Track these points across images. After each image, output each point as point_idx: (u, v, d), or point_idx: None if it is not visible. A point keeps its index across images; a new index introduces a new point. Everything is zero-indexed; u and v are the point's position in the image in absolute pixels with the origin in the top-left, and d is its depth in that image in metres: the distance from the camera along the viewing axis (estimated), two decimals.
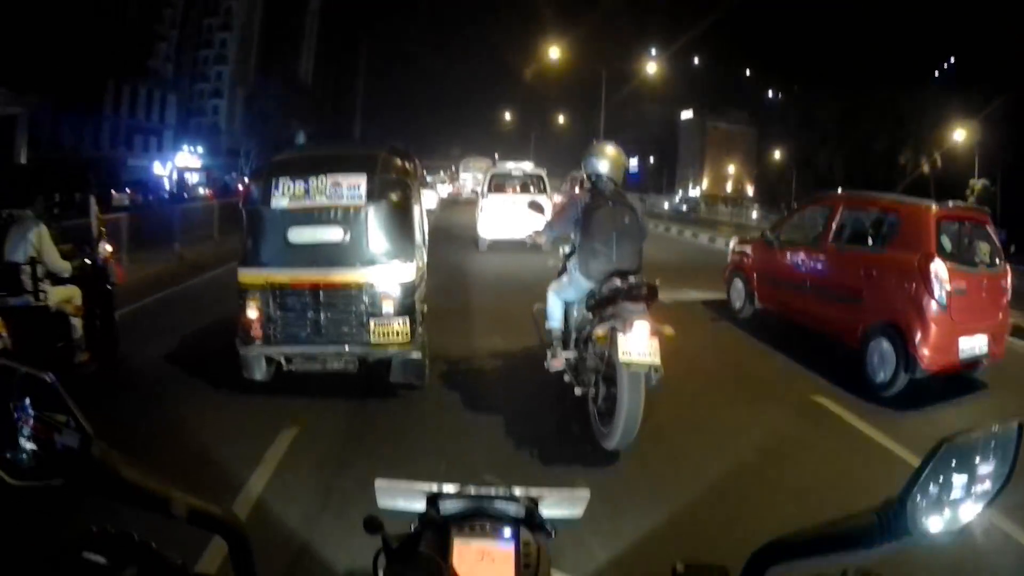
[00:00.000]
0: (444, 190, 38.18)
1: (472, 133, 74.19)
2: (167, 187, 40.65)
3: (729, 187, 66.13)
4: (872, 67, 45.15)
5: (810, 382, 6.11)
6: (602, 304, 4.43)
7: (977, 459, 0.76)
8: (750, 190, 63.45)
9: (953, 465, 0.75)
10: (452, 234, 17.83)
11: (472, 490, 1.06)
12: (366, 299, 4.98)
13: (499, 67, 78.90)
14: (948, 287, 5.63)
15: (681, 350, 4.68)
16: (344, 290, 4.98)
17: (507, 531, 0.99)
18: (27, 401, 0.72)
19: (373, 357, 5.14)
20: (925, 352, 5.58)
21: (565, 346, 4.97)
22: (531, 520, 1.04)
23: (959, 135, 34.54)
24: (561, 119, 63.74)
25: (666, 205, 39.53)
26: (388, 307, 4.98)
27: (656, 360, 3.99)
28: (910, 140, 42.62)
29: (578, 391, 4.59)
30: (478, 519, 1.01)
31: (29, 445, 0.72)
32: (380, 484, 1.06)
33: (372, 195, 5.02)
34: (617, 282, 4.41)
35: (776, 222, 9.41)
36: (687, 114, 70.19)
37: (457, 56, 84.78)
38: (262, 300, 4.98)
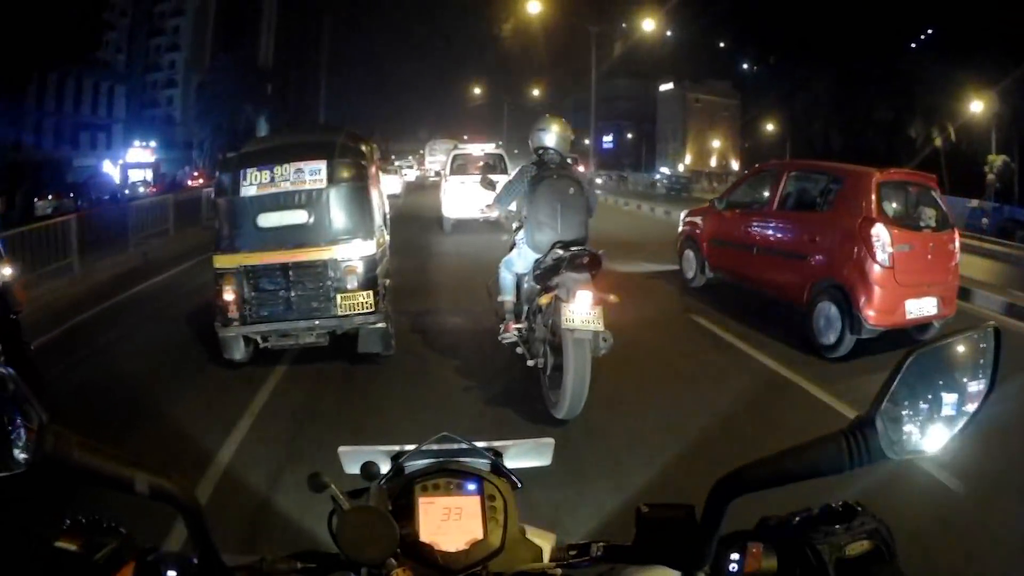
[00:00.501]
0: (412, 174, 38.22)
1: (443, 115, 73.22)
2: (116, 185, 39.88)
3: (713, 162, 65.73)
4: (860, 33, 44.51)
5: (760, 345, 6.60)
6: (546, 274, 4.68)
7: (951, 369, 0.73)
8: (735, 164, 63.44)
9: (924, 377, 0.72)
10: (419, 216, 18.45)
11: (435, 447, 1.11)
12: (332, 274, 5.59)
13: (468, 44, 78.16)
14: (890, 249, 6.13)
15: (632, 319, 5.08)
16: (311, 267, 5.58)
17: (472, 485, 1.01)
18: None
19: (341, 329, 5.74)
20: (870, 312, 6.06)
21: (517, 318, 5.28)
22: (496, 472, 1.08)
23: (976, 106, 32.53)
24: (536, 93, 63.53)
25: (657, 183, 37.38)
26: (352, 280, 5.59)
27: (600, 326, 4.25)
28: (918, 110, 41.46)
29: (530, 362, 4.90)
30: (442, 475, 1.03)
31: (22, 456, 0.74)
32: (343, 450, 1.13)
33: (332, 178, 5.61)
34: (560, 252, 4.66)
35: (725, 190, 9.87)
36: (666, 86, 69.21)
37: (424, 34, 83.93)
38: (237, 282, 5.56)
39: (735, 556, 0.84)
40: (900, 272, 6.14)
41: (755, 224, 7.80)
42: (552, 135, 5.07)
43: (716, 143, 66.87)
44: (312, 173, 5.59)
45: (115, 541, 0.86)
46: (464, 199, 14.75)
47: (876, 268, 6.12)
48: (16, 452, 0.74)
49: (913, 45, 43.82)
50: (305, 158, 5.65)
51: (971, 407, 0.73)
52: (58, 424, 0.76)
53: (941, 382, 0.73)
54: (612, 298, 4.40)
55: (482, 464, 1.11)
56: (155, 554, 0.89)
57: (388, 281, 6.15)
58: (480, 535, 0.97)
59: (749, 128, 60.38)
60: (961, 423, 0.73)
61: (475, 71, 71.46)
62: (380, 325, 5.71)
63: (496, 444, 1.15)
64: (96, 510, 0.88)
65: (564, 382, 4.30)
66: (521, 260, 5.19)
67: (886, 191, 6.48)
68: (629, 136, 71.03)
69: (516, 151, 31.27)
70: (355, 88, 77.31)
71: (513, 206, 5.32)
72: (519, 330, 5.18)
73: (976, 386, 0.73)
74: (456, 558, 0.95)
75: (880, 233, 6.15)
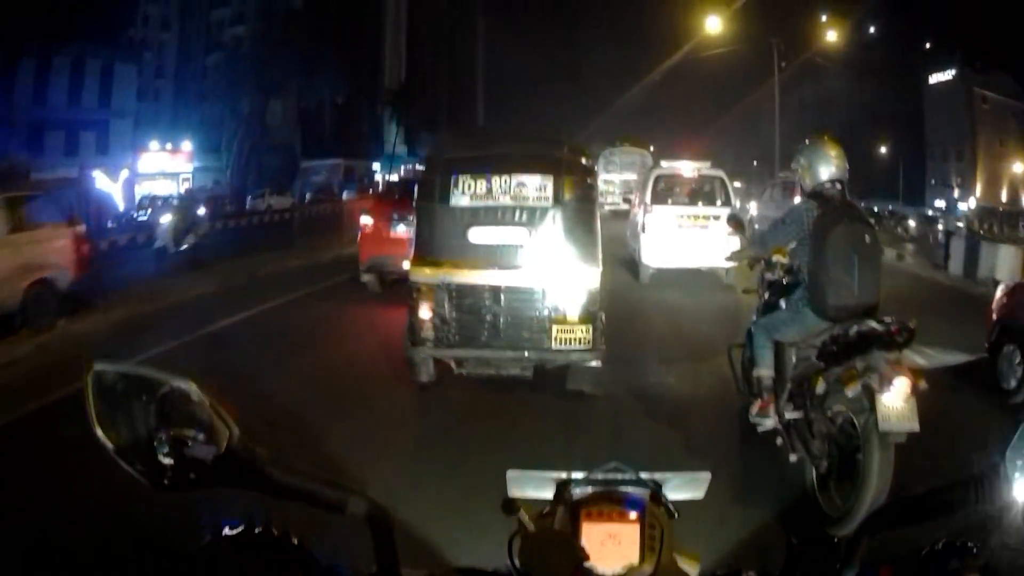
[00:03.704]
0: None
1: (612, 117, 70.94)
2: (120, 212, 36.89)
3: (1004, 194, 59.63)
4: None
5: None
6: (846, 352, 4.69)
7: None
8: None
9: None
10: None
11: (599, 475, 1.51)
12: (549, 303, 6.72)
13: (641, 35, 77.76)
14: None
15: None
16: (527, 293, 6.75)
17: (632, 513, 1.39)
18: (162, 418, 1.02)
19: (553, 364, 6.90)
20: None
21: (776, 398, 5.40)
22: (655, 502, 1.47)
23: None
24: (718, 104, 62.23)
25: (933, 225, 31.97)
26: (572, 312, 6.69)
27: (915, 425, 4.28)
28: None
29: (793, 457, 5.08)
30: (605, 502, 1.43)
31: (167, 460, 1.01)
32: (511, 474, 1.54)
33: (558, 196, 6.79)
34: (872, 324, 4.63)
35: None
36: (940, 76, 61.70)
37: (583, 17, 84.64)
38: (436, 300, 6.78)
39: None
40: None
41: None
42: (831, 164, 5.19)
43: (1015, 167, 58.70)
44: (537, 189, 6.81)
45: (283, 548, 1.10)
46: (672, 241, 14.40)
47: None
48: (197, 465, 1.01)
49: None
50: (529, 170, 6.86)
51: None
52: (246, 438, 1.01)
53: None
54: (922, 383, 4.36)
55: (643, 493, 1.49)
56: (328, 565, 1.14)
57: (604, 316, 7.16)
58: (636, 561, 1.36)
59: None
60: None
61: (648, 76, 68.92)
62: (595, 363, 6.82)
63: (657, 475, 1.56)
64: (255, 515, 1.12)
65: (861, 494, 4.34)
66: (795, 327, 5.32)
67: None
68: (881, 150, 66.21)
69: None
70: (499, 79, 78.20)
71: (776, 256, 5.62)
72: (786, 417, 5.28)
73: None
74: None
75: None
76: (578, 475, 1.53)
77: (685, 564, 1.45)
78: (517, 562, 1.29)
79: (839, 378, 4.70)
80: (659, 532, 1.39)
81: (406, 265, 7.10)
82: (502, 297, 6.74)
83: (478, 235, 6.83)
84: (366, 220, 13.52)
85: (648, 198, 15.00)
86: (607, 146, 33.54)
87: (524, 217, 6.78)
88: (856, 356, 4.60)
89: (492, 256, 6.79)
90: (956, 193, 59.28)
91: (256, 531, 1.09)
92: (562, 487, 1.52)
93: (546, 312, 6.72)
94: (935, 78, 62.03)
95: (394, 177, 51.10)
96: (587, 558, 1.29)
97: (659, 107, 69.25)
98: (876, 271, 5.04)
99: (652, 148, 34.50)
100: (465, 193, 6.85)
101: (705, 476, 1.58)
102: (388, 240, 12.59)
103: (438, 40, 74.64)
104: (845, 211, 5.06)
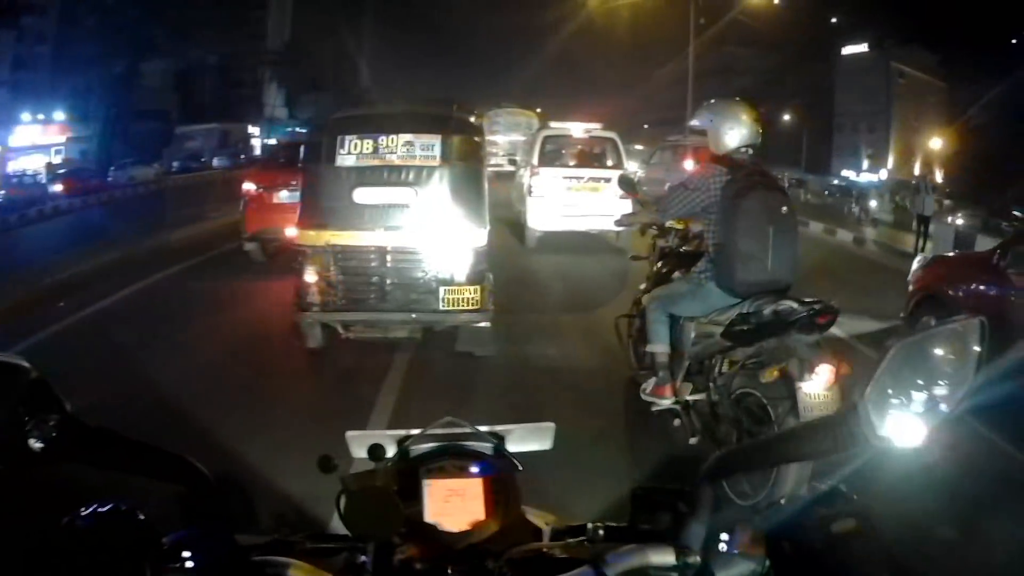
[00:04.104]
0: None
1: (499, 79, 68.82)
2: None
3: (916, 168, 62.20)
4: None
5: None
6: (758, 332, 4.53)
7: (935, 359, 1.00)
8: (938, 175, 59.15)
9: (909, 366, 0.99)
10: None
11: (438, 431, 1.55)
12: (437, 264, 6.94)
13: None
14: None
15: None
16: (414, 254, 6.95)
17: (474, 468, 1.45)
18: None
19: (441, 325, 7.14)
20: None
21: (672, 376, 5.29)
22: (498, 455, 1.52)
23: None
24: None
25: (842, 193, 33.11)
26: (460, 273, 6.93)
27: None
28: None
29: (693, 440, 5.07)
30: (447, 458, 1.49)
31: (37, 445, 1.03)
32: (351, 435, 1.57)
33: (446, 156, 7.01)
34: (791, 304, 4.42)
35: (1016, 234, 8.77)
36: (855, 48, 62.69)
37: None
38: (323, 263, 6.93)
39: (725, 536, 1.17)
40: None
41: None
42: (743, 127, 5.00)
43: (931, 141, 57.75)
44: (424, 148, 7.00)
45: (132, 525, 1.15)
46: (560, 203, 14.46)
47: None
48: (32, 442, 1.02)
49: None
50: (417, 131, 7.05)
51: (953, 396, 1.00)
52: (74, 413, 1.06)
53: (925, 372, 1.00)
54: (845, 368, 4.24)
55: (485, 448, 1.54)
56: (171, 536, 1.21)
57: (491, 277, 7.43)
58: (482, 516, 1.40)
59: (958, 125, 54.62)
60: (942, 412, 1.00)
61: (539, 32, 66.76)
62: (485, 324, 7.07)
63: (499, 428, 1.59)
64: (106, 496, 1.17)
65: (779, 483, 4.17)
66: (698, 302, 5.10)
67: None
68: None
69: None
70: (386, 41, 76.44)
71: (671, 223, 5.64)
72: (685, 399, 5.24)
73: (959, 375, 1.00)
74: (458, 538, 1.37)
75: None
76: (417, 431, 1.56)
77: (536, 519, 1.52)
78: (345, 522, 1.32)
79: (752, 361, 4.63)
80: (504, 486, 1.44)
81: (290, 232, 7.11)
82: (388, 259, 6.92)
83: (364, 196, 6.96)
84: (249, 187, 13.31)
85: (535, 159, 14.96)
86: (493, 108, 33.48)
87: (411, 177, 6.94)
88: (769, 337, 4.48)
89: (378, 217, 6.95)
90: (865, 164, 60.62)
91: (107, 509, 1.14)
92: (400, 444, 1.55)
93: (434, 273, 6.94)
94: (848, 50, 62.98)
95: (272, 142, 50.35)
96: (419, 515, 1.37)
97: (553, 71, 69.49)
98: (793, 245, 4.92)
99: (539, 110, 35.15)
100: (352, 153, 6.99)
101: (549, 426, 1.62)
102: (273, 208, 12.51)
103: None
104: (759, 179, 4.89)
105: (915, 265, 9.06)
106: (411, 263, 6.93)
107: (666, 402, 5.24)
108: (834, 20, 63.93)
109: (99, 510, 1.14)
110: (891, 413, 0.97)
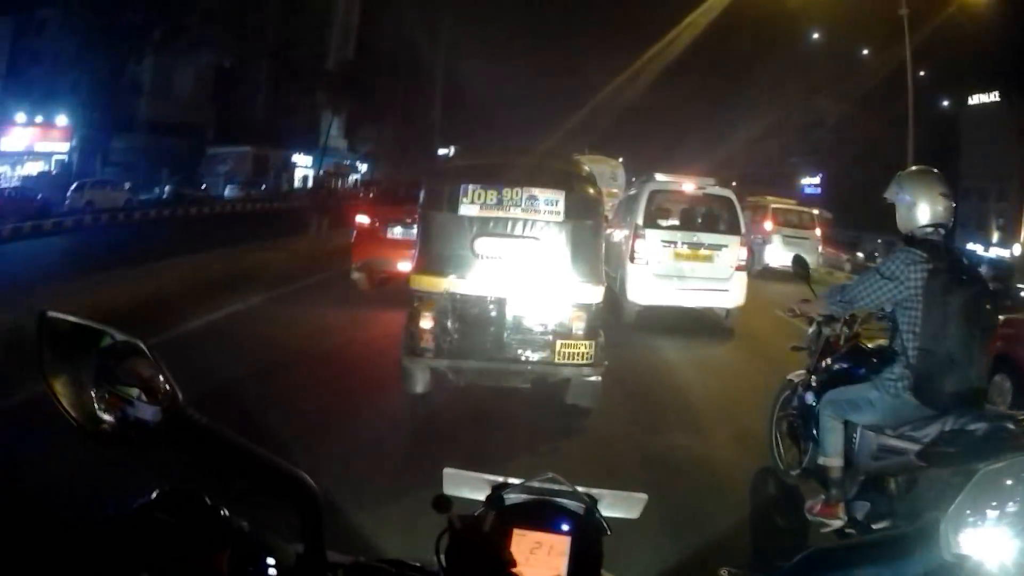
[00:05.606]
0: None
1: (575, 122, 66.48)
2: None
3: None
4: None
5: None
6: (967, 456, 3.79)
7: (1010, 485, 1.12)
8: None
9: (987, 491, 1.10)
10: None
11: (535, 483, 1.57)
12: (555, 318, 7.15)
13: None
14: None
15: None
16: (533, 307, 7.15)
17: (564, 525, 1.50)
18: (107, 375, 1.11)
19: (554, 378, 7.32)
20: None
21: (845, 492, 4.74)
22: (589, 517, 1.54)
23: None
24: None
25: None
26: (577, 328, 7.13)
27: None
28: None
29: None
30: (538, 511, 1.52)
31: (107, 417, 1.10)
32: (448, 472, 1.62)
33: (570, 212, 7.21)
34: (1006, 424, 3.89)
35: None
36: (981, 98, 55.49)
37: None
38: (439, 310, 7.13)
39: None
40: None
41: None
42: (939, 204, 4.46)
43: None
44: (548, 204, 7.20)
45: (213, 518, 1.19)
46: (668, 273, 12.64)
47: None
48: (139, 425, 1.10)
49: None
50: (540, 184, 7.26)
51: (1021, 520, 1.11)
52: (190, 403, 1.11)
53: (999, 497, 1.11)
54: None
55: (578, 508, 1.56)
56: (256, 537, 1.25)
57: (603, 333, 7.61)
58: (563, 572, 1.44)
59: None
60: (1011, 534, 1.10)
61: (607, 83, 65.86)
62: (596, 379, 7.25)
63: (593, 491, 1.60)
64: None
65: None
66: (884, 412, 4.51)
67: None
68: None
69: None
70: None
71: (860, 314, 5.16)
72: (857, 518, 4.63)
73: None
74: None
75: None
76: (514, 481, 1.59)
77: None
78: (443, 560, 1.35)
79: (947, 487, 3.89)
80: (589, 546, 1.49)
81: (402, 267, 7.21)
82: (507, 310, 7.12)
83: (486, 246, 7.16)
84: (362, 220, 14.80)
85: (640, 218, 12.96)
86: (575, 154, 31.35)
87: (533, 230, 7.15)
88: (980, 460, 3.63)
89: (499, 268, 7.15)
90: (996, 237, 52.26)
91: (186, 498, 1.18)
92: (496, 491, 1.57)
93: (551, 326, 7.13)
94: (976, 99, 55.47)
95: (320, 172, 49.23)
96: (514, 564, 1.35)
97: (632, 115, 68.03)
98: (987, 349, 4.42)
99: (621, 159, 32.91)
100: (475, 203, 7.19)
101: (641, 497, 1.64)
102: (383, 241, 13.98)
103: (395, 23, 71.26)
104: (958, 269, 4.36)
105: None
106: (529, 315, 7.14)
107: (837, 523, 4.66)
108: (922, 73, 61.52)
109: (180, 495, 1.19)
110: (966, 532, 1.08)
